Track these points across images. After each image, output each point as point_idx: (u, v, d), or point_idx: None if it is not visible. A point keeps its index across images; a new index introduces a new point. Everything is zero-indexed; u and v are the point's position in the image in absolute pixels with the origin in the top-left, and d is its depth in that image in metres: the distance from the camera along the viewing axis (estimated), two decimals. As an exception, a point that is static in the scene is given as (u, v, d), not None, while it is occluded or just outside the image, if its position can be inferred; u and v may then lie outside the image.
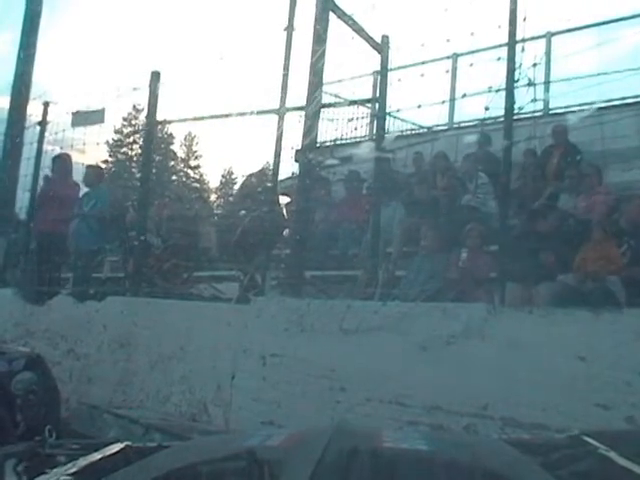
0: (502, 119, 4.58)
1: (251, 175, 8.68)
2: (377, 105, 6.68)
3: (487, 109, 4.64)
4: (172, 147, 39.05)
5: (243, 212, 7.14)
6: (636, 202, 5.49)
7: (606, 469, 1.46)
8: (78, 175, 8.08)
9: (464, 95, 5.53)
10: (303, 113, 5.52)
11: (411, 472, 1.26)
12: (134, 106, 27.53)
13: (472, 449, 1.44)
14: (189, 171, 40.68)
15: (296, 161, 5.71)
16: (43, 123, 7.68)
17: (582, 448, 1.60)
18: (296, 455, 1.28)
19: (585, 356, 3.62)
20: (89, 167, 8.15)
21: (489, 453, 1.43)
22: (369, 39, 6.00)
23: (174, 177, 37.96)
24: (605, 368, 3.55)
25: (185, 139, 40.47)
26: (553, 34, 8.47)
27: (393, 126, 8.12)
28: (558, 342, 3.72)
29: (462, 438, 2.35)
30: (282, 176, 6.55)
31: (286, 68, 5.72)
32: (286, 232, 6.64)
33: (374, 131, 7.18)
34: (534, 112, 5.86)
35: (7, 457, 1.75)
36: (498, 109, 4.55)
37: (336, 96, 7.92)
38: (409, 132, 9.08)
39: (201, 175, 39.06)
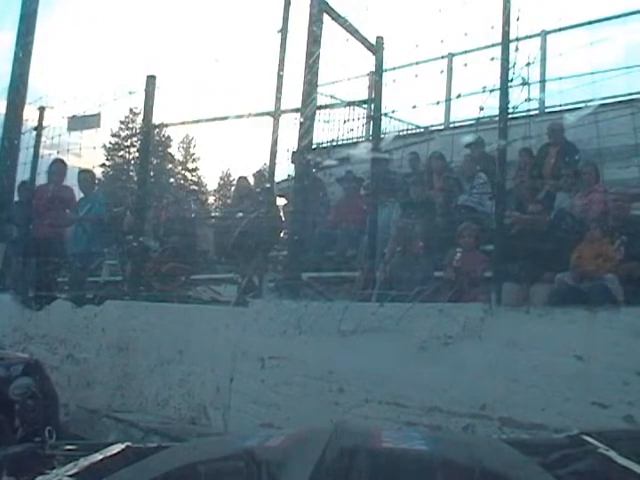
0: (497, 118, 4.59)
1: (244, 177, 8.70)
2: (372, 106, 6.69)
3: (482, 109, 4.65)
4: (170, 150, 39.08)
5: (240, 214, 7.14)
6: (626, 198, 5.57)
7: (606, 469, 1.46)
8: (73, 179, 8.09)
9: (459, 95, 5.55)
10: (299, 115, 5.52)
11: (411, 472, 1.26)
12: (131, 109, 27.46)
13: (471, 449, 1.44)
14: (187, 173, 40.64)
15: (292, 163, 5.71)
16: (39, 128, 7.68)
17: (582, 448, 1.60)
18: (295, 455, 1.28)
19: (582, 355, 3.62)
20: (82, 172, 8.15)
21: (488, 453, 1.43)
22: (364, 40, 6.01)
23: (172, 180, 37.96)
24: (603, 367, 3.55)
25: (182, 142, 40.51)
26: (548, 32, 8.49)
27: (389, 126, 8.13)
28: (555, 341, 3.73)
29: (462, 438, 2.35)
30: (279, 178, 6.57)
31: (281, 70, 5.73)
32: (283, 234, 6.65)
33: (370, 132, 7.19)
34: (529, 111, 5.87)
35: (6, 458, 1.75)
36: (493, 109, 4.57)
37: (332, 97, 7.93)
38: (405, 132, 9.10)
39: (199, 177, 39.09)
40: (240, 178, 8.84)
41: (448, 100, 7.88)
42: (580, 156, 6.61)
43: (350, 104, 7.44)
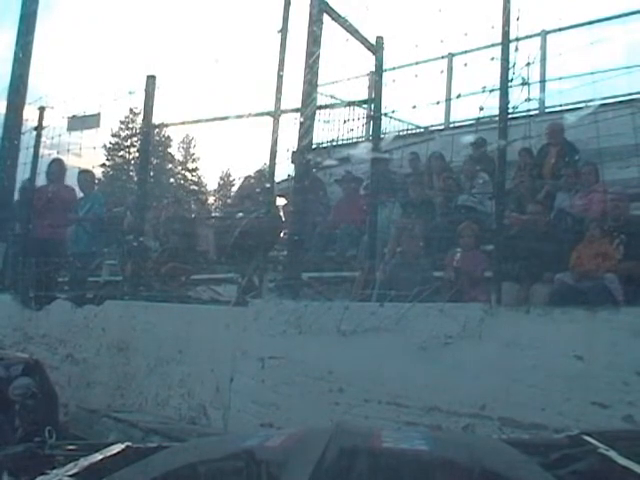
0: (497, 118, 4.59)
1: (249, 177, 8.70)
2: (372, 106, 6.69)
3: (481, 109, 4.65)
4: (170, 150, 39.13)
5: (240, 214, 7.14)
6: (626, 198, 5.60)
7: (606, 469, 1.46)
8: (73, 179, 8.10)
9: (459, 95, 5.54)
10: (299, 115, 5.52)
11: (411, 472, 1.26)
12: (131, 109, 27.48)
13: (471, 449, 1.44)
14: (187, 174, 40.69)
15: (292, 163, 5.71)
16: (39, 128, 7.68)
17: (582, 448, 1.60)
18: (295, 455, 1.28)
19: (582, 355, 3.62)
20: (82, 172, 8.16)
21: (488, 453, 1.43)
22: (364, 40, 6.01)
23: (172, 180, 38.02)
24: (603, 367, 3.55)
25: (183, 142, 40.55)
26: (548, 32, 8.50)
27: (389, 126, 8.13)
28: (555, 341, 3.73)
29: (462, 438, 2.35)
30: (279, 178, 6.57)
31: (281, 70, 5.73)
32: (283, 234, 6.65)
33: (370, 132, 7.19)
34: (529, 111, 5.88)
35: (6, 458, 1.75)
36: (493, 109, 4.56)
37: (332, 97, 7.94)
38: (405, 132, 9.11)
39: (199, 177, 39.14)
40: (246, 177, 8.83)
41: (448, 100, 7.89)
42: (580, 156, 6.62)
43: (350, 104, 7.44)
